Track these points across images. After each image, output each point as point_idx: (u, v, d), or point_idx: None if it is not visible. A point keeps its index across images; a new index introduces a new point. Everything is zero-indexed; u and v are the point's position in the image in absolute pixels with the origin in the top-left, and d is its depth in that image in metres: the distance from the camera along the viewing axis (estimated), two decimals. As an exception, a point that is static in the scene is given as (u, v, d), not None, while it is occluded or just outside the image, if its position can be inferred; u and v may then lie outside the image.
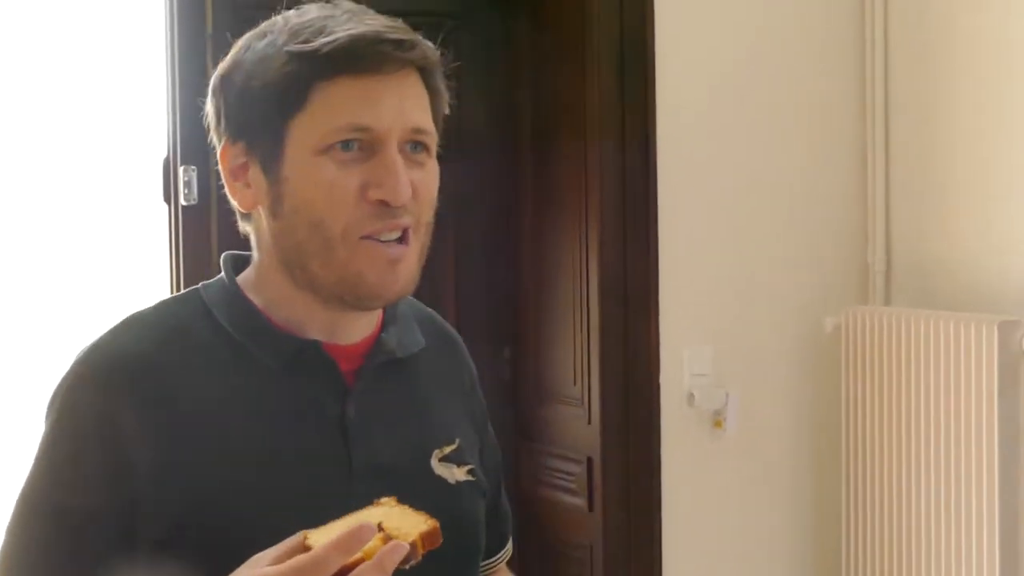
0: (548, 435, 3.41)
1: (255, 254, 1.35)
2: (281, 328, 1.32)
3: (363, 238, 1.27)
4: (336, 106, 1.25)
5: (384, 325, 1.42)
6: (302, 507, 1.22)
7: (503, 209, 3.54)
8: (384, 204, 1.26)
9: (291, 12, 1.31)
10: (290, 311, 1.32)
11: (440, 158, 3.44)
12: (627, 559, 3.19)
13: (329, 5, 1.31)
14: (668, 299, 3.21)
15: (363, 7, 1.32)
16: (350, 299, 1.30)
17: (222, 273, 1.37)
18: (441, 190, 3.57)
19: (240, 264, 1.38)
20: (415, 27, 3.68)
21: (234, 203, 1.33)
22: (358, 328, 1.37)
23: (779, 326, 3.32)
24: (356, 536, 1.06)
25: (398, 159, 1.27)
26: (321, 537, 1.09)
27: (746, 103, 3.29)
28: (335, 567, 1.05)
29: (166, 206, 3.30)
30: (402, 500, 1.19)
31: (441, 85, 1.37)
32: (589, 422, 3.21)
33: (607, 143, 3.17)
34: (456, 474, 1.42)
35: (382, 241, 1.28)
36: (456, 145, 3.47)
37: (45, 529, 1.24)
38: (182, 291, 1.40)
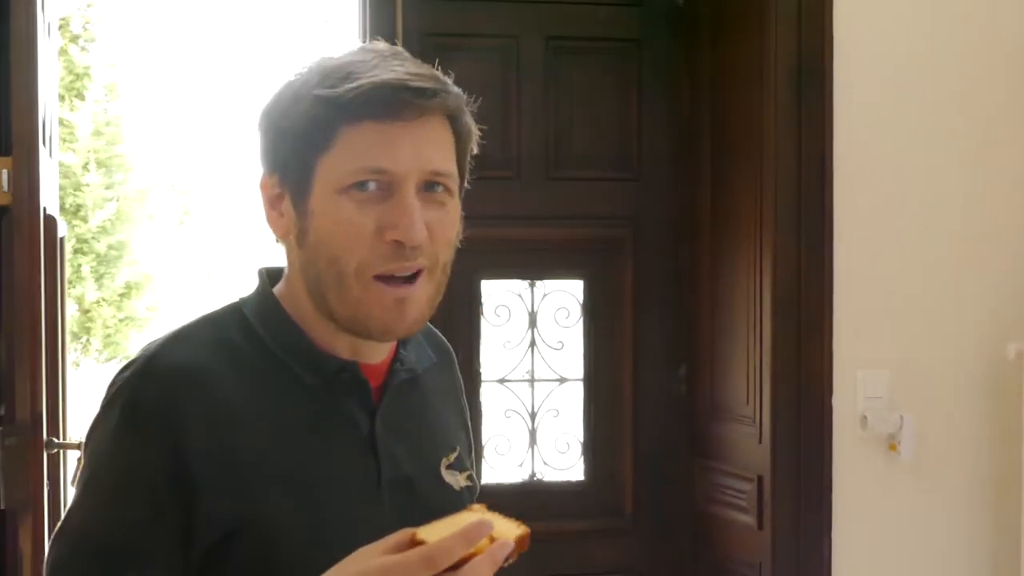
0: (721, 452, 3.45)
1: (287, 274, 1.43)
2: (321, 348, 1.40)
3: (376, 277, 1.33)
4: (357, 149, 1.32)
5: (401, 343, 1.48)
6: (343, 519, 1.34)
7: (682, 230, 3.60)
8: (399, 244, 1.32)
9: (326, 55, 1.38)
10: (321, 332, 1.40)
11: (617, 180, 3.56)
12: (796, 579, 3.21)
13: (363, 48, 1.39)
14: (843, 321, 3.21)
15: (396, 50, 1.41)
16: (363, 333, 1.37)
17: (257, 286, 1.45)
18: (621, 211, 3.67)
19: (275, 276, 1.46)
20: (600, 52, 3.80)
21: (270, 229, 1.41)
22: (380, 349, 1.45)
23: (959, 351, 3.29)
24: (478, 530, 1.16)
25: (414, 202, 1.33)
26: (430, 534, 1.18)
27: (925, 123, 3.27)
28: (457, 556, 1.13)
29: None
30: (419, 507, 1.32)
31: (469, 126, 1.44)
32: (760, 441, 3.24)
33: (783, 164, 3.20)
34: (459, 480, 1.52)
35: (394, 277, 1.33)
36: (636, 168, 3.58)
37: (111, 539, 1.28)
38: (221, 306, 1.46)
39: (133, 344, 17.31)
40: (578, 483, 3.62)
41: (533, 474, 3.60)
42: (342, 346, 1.41)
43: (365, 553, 1.18)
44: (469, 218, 3.61)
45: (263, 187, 1.40)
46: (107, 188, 16.89)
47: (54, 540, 1.31)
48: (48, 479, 2.98)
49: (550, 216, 3.52)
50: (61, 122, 16.54)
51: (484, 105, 3.56)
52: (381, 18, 3.39)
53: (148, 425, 1.29)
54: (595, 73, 3.55)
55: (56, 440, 3.04)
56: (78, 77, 17.01)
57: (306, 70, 1.37)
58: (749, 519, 3.29)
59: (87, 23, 17.12)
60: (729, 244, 3.41)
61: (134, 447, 1.29)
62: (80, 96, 16.65)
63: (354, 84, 1.30)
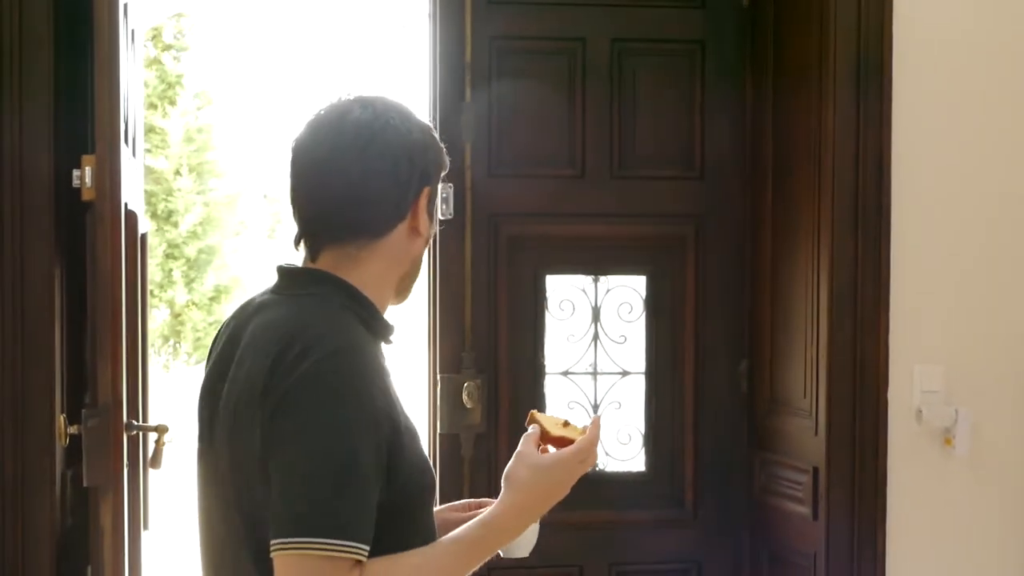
0: (779, 445, 3.52)
1: (371, 268, 1.78)
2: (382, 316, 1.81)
3: None
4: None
5: None
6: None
7: (744, 227, 3.67)
8: None
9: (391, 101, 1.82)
10: (382, 305, 1.82)
11: (681, 179, 3.68)
12: (850, 570, 3.26)
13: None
14: (899, 316, 3.27)
15: None
16: (401, 302, 1.89)
17: (335, 281, 1.77)
18: (684, 209, 3.74)
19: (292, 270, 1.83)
20: (664, 53, 3.88)
21: (420, 228, 1.80)
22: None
23: (1014, 345, 3.33)
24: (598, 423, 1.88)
25: None
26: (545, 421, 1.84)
27: (984, 121, 3.31)
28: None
29: (426, 220, 3.59)
30: None
31: None
32: (816, 433, 3.31)
33: (842, 162, 3.26)
34: None
35: None
36: (699, 167, 3.66)
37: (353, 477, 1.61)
38: (313, 296, 1.75)
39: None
40: (639, 474, 3.70)
41: (595, 465, 3.68)
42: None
43: (532, 459, 1.79)
44: (536, 215, 3.71)
45: (423, 201, 1.79)
46: (198, 193, 17.26)
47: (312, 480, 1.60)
48: (128, 459, 3.13)
49: (614, 214, 3.62)
50: (153, 129, 16.93)
51: (550, 106, 3.71)
52: (451, 23, 3.51)
53: (362, 397, 1.63)
54: (660, 74, 3.64)
55: (136, 423, 3.20)
56: (170, 85, 17.40)
57: (428, 132, 1.82)
58: (805, 510, 3.36)
59: (179, 33, 17.52)
60: (789, 241, 3.48)
61: (361, 414, 1.63)
62: (172, 103, 17.05)
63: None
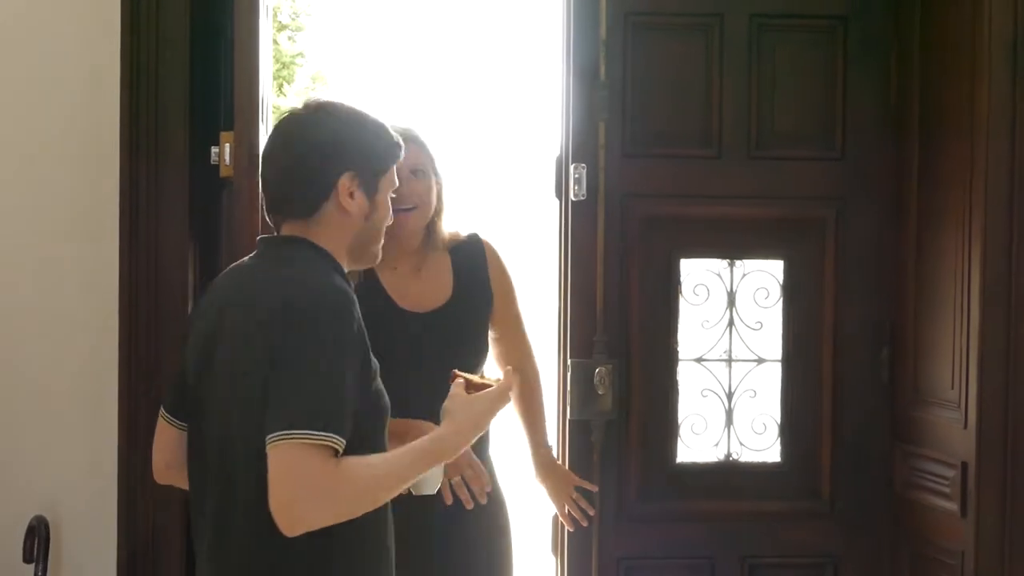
0: (923, 438, 3.38)
1: (328, 236, 2.21)
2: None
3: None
4: (395, 176, 2.31)
5: None
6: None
7: (887, 210, 3.53)
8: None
9: (378, 119, 2.29)
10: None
11: (821, 159, 3.57)
12: (1000, 570, 3.12)
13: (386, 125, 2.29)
14: (1056, 305, 3.12)
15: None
16: (367, 265, 2.34)
17: (306, 245, 2.20)
18: (824, 190, 3.63)
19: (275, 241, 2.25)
20: (805, 29, 3.76)
21: (346, 208, 2.20)
22: None
23: None
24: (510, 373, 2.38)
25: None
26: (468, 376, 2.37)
27: None
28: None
29: (558, 201, 3.52)
30: None
31: None
32: (965, 426, 3.17)
33: (996, 143, 3.11)
34: None
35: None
36: (841, 146, 3.53)
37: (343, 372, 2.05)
38: (293, 255, 2.18)
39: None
40: (774, 464, 3.60)
41: (729, 454, 3.59)
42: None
43: (462, 398, 2.28)
44: (670, 196, 3.63)
45: (343, 184, 2.19)
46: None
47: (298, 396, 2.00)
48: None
49: (751, 195, 3.51)
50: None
51: (686, 83, 3.60)
52: (586, -1, 3.42)
53: (353, 321, 2.09)
54: (800, 50, 3.52)
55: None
56: (285, 66, 17.55)
57: (368, 119, 2.26)
58: (952, 506, 3.22)
59: (295, 13, 17.66)
60: (936, 225, 3.33)
61: (351, 335, 2.08)
62: (289, 82, 17.20)
63: (396, 137, 2.29)
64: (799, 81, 3.53)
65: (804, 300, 3.57)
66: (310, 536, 2.00)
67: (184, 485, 2.30)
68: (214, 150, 3.06)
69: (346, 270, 2.24)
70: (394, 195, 2.31)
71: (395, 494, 2.15)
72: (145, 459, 3.11)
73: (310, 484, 1.96)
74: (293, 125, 2.23)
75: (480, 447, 2.88)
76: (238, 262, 2.29)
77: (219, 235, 3.27)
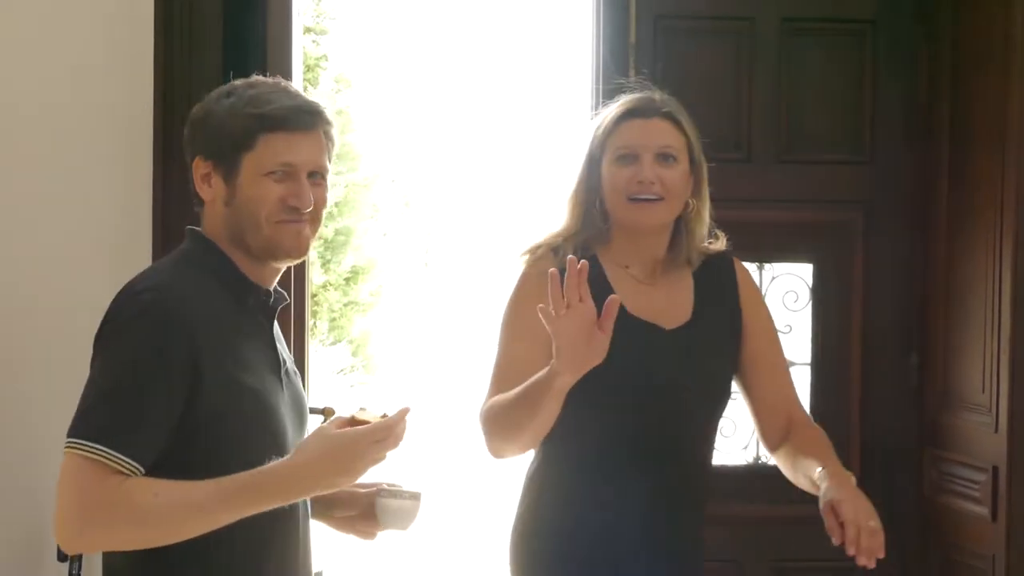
0: (953, 442, 3.37)
1: (207, 227, 2.04)
2: (248, 277, 2.03)
3: (278, 222, 2.00)
4: (274, 149, 1.98)
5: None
6: (274, 397, 2.01)
7: (916, 214, 3.53)
8: (295, 208, 2.00)
9: (247, 81, 2.05)
10: (241, 262, 2.03)
11: (850, 163, 3.57)
12: (1032, 574, 3.11)
13: (271, 81, 2.06)
14: (1088, 309, 3.10)
15: (291, 85, 2.10)
16: (276, 256, 2.03)
17: (196, 238, 2.05)
18: (853, 194, 3.62)
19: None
20: (835, 33, 3.77)
21: (200, 195, 2.03)
22: (272, 279, 2.08)
23: None
24: (402, 413, 1.92)
25: (306, 183, 2.01)
26: (367, 415, 1.92)
27: None
28: (398, 429, 1.89)
29: (587, 204, 3.52)
30: (294, 391, 2.12)
31: (334, 137, 2.09)
32: (996, 430, 3.16)
33: (1028, 151, 3.10)
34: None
35: (292, 221, 2.01)
36: (870, 150, 3.52)
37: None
38: (175, 251, 2.07)
39: (356, 328, 17.79)
40: (803, 468, 3.59)
41: (758, 457, 3.59)
42: (255, 274, 2.04)
43: (324, 431, 1.88)
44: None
45: (196, 167, 2.03)
46: (336, 175, 17.46)
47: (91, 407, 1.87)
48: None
49: (780, 198, 3.51)
50: (294, 111, 17.08)
51: (715, 86, 3.60)
52: (615, 1, 3.43)
53: (173, 328, 1.88)
54: (830, 53, 3.52)
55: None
56: (309, 68, 17.60)
57: (234, 92, 2.02)
58: (983, 510, 3.21)
59: (319, 15, 17.72)
60: (967, 229, 3.33)
61: (166, 343, 1.87)
62: (313, 85, 17.26)
63: (274, 106, 1.98)
64: (828, 84, 3.53)
65: (833, 303, 3.57)
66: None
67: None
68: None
69: (242, 267, 2.03)
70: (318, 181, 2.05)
71: (207, 526, 1.86)
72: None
73: (76, 500, 1.81)
74: None
75: None
76: None
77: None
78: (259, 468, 1.85)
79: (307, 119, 2.01)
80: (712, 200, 3.46)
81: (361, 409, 1.98)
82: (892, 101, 3.53)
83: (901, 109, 3.53)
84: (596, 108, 3.45)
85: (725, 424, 3.52)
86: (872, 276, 3.53)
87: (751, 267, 3.54)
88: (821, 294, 3.57)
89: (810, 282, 3.57)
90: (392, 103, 24.28)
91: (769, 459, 3.56)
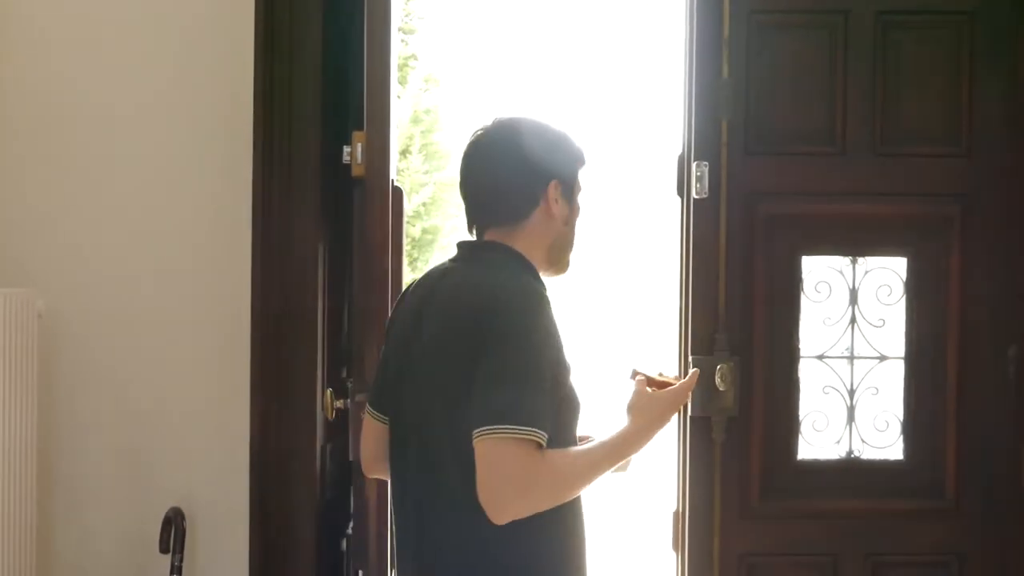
0: (1052, 436, 3.34)
1: (528, 242, 2.36)
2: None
3: None
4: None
5: None
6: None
7: (1014, 207, 3.49)
8: None
9: (568, 136, 2.43)
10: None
11: (947, 156, 3.56)
12: None
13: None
14: None
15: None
16: (559, 273, 2.43)
17: (506, 249, 2.35)
18: (949, 187, 3.59)
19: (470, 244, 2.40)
20: (931, 24, 3.71)
21: (554, 213, 2.37)
22: None
23: None
24: (695, 374, 2.46)
25: None
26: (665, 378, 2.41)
27: None
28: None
29: (679, 199, 3.55)
30: None
31: None
32: (1096, 425, 3.13)
33: None
34: None
35: None
36: (967, 143, 3.50)
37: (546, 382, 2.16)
38: (491, 259, 2.32)
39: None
40: (897, 462, 3.58)
41: (851, 451, 3.58)
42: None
43: (651, 395, 2.34)
44: (793, 194, 3.61)
45: (551, 192, 2.35)
46: (424, 174, 17.58)
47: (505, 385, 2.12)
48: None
49: (875, 192, 3.49)
50: (383, 110, 17.23)
51: (809, 80, 3.59)
52: (708, -3, 3.44)
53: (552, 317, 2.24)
54: (926, 46, 3.49)
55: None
56: (399, 67, 17.74)
57: (561, 132, 2.41)
58: (1082, 505, 3.18)
59: (408, 15, 17.85)
60: (1065, 222, 3.29)
61: (554, 330, 2.22)
62: (402, 83, 17.39)
63: (583, 149, 2.44)
64: (925, 77, 3.50)
65: (928, 297, 3.55)
66: (515, 523, 2.14)
67: (388, 477, 2.44)
68: (346, 149, 3.13)
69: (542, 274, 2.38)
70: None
71: (588, 486, 2.25)
72: (278, 453, 3.24)
73: (515, 476, 2.10)
74: (492, 144, 2.36)
75: None
76: (437, 265, 2.40)
77: (349, 233, 3.36)
78: (619, 433, 2.28)
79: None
80: (806, 193, 3.49)
81: (660, 374, 2.42)
82: (991, 93, 3.49)
83: (1000, 101, 3.49)
84: (691, 102, 3.48)
85: (817, 418, 3.54)
86: (969, 269, 3.50)
87: (844, 261, 3.54)
88: (916, 288, 3.54)
89: (904, 276, 3.55)
90: (480, 102, 24.32)
91: (863, 453, 3.57)
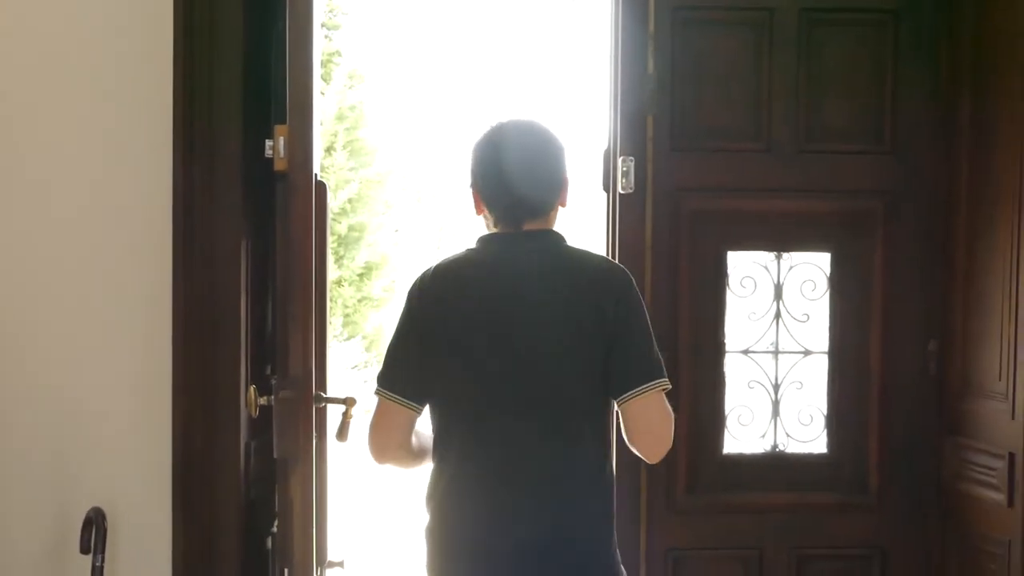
0: (971, 429, 3.39)
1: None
2: None
3: None
4: None
5: None
6: None
7: (936, 204, 3.53)
8: None
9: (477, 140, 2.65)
10: None
11: (871, 153, 3.60)
12: (1050, 559, 3.13)
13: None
14: (1106, 297, 3.11)
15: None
16: None
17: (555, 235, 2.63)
18: (873, 184, 3.61)
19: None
20: (855, 23, 3.74)
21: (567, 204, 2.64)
22: None
23: None
24: None
25: None
26: None
27: None
28: None
29: (605, 194, 3.55)
30: None
31: None
32: (1013, 417, 3.17)
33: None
34: None
35: None
36: (891, 141, 3.53)
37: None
38: (567, 244, 2.61)
39: (371, 323, 17.80)
40: (821, 456, 3.61)
41: (775, 445, 3.61)
42: None
43: None
44: (719, 190, 3.63)
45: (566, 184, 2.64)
46: (350, 170, 17.47)
47: None
48: (316, 431, 3.13)
49: (799, 188, 3.52)
50: (306, 107, 17.07)
51: (735, 77, 3.61)
52: (633, -8, 3.44)
53: None
54: (850, 44, 3.53)
55: (323, 395, 3.21)
56: (322, 64, 17.61)
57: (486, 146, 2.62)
58: (999, 496, 3.23)
59: (332, 11, 17.74)
60: (987, 220, 3.34)
61: None
62: (326, 80, 17.28)
63: None
64: (849, 75, 3.53)
65: (852, 292, 3.58)
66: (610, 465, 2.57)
67: (404, 464, 2.65)
68: (268, 143, 3.09)
69: None
70: None
71: None
72: (202, 452, 3.19)
73: (671, 420, 2.52)
74: (547, 143, 2.60)
75: None
76: (479, 250, 2.60)
77: (270, 228, 3.31)
78: None
79: None
80: (732, 189, 3.51)
81: None
82: (914, 92, 3.53)
83: (923, 100, 3.53)
84: (617, 97, 3.48)
85: (743, 413, 3.56)
86: (892, 265, 3.54)
87: (769, 256, 3.57)
88: (840, 283, 3.58)
89: (828, 271, 3.59)
90: (405, 98, 24.23)
91: (787, 447, 3.59)
